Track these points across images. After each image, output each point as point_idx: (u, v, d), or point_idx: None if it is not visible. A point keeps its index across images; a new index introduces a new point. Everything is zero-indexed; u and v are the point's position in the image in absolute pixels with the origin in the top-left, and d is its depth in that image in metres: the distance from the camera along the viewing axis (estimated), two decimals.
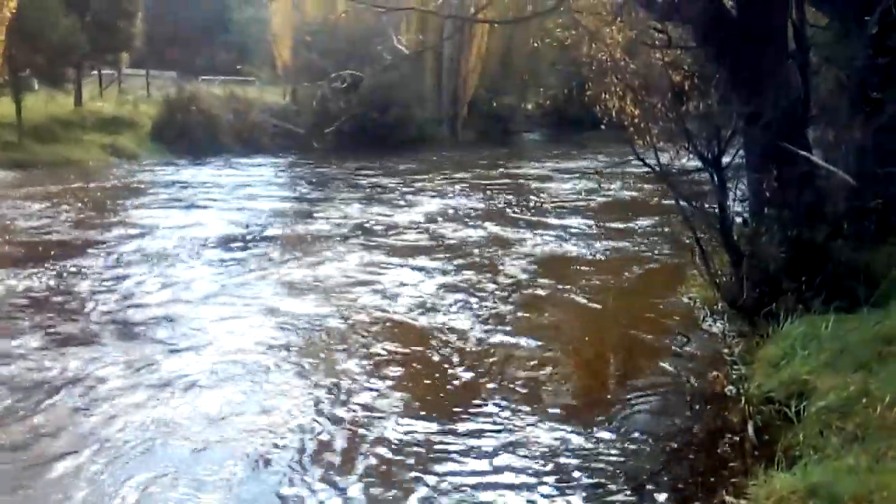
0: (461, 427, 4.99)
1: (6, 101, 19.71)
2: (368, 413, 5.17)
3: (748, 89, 6.57)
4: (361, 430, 4.92)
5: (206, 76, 29.67)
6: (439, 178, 18.55)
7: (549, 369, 6.08)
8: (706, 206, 6.78)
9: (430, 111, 26.94)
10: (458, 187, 17.19)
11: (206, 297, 7.94)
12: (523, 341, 6.69)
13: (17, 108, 19.44)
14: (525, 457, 4.59)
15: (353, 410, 5.21)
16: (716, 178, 6.62)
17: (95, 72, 27.16)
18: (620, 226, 12.10)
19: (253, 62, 31.59)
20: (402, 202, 14.91)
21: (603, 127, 7.87)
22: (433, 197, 15.64)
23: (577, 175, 18.79)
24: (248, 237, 11.25)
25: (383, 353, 6.37)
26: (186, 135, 21.94)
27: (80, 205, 13.61)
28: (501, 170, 20.29)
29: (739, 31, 6.77)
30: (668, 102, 6.89)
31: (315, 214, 13.34)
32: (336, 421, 5.04)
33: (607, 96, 7.53)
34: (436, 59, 27.37)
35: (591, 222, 12.72)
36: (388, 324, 7.14)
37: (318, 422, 5.02)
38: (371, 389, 5.58)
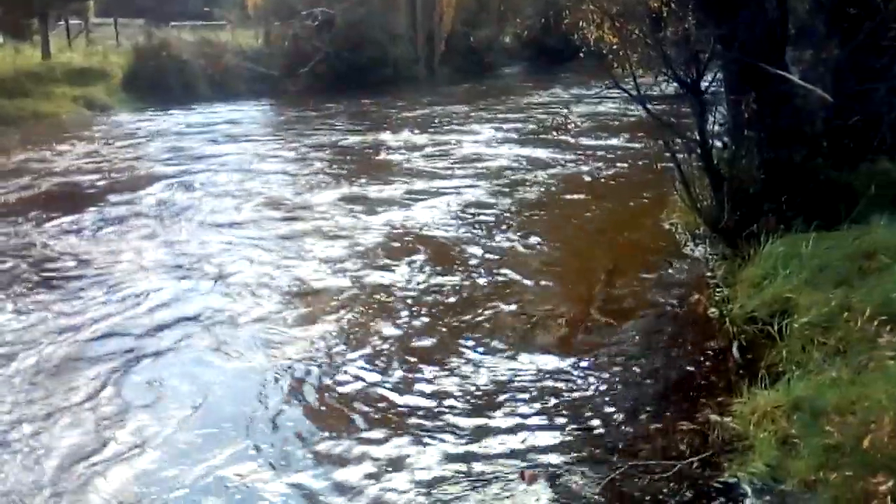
0: (454, 341, 5.23)
1: None
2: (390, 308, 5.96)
3: (724, 12, 6.50)
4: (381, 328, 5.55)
5: (176, 22, 28.97)
6: (436, 112, 18.40)
7: (536, 295, 6.18)
8: (686, 130, 6.81)
9: (406, 49, 26.43)
10: (466, 119, 17.14)
11: (285, 212, 9.08)
12: (518, 266, 6.82)
13: None
14: (510, 381, 4.68)
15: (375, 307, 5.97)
16: (696, 103, 6.61)
17: (62, 22, 26.51)
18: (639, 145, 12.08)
19: (223, 4, 30.87)
20: (414, 135, 14.94)
21: (582, 55, 7.86)
22: (442, 128, 15.67)
23: (592, 101, 18.30)
24: (287, 166, 12.04)
25: (412, 262, 7.09)
26: (159, 83, 21.44)
27: (108, 150, 13.66)
28: (503, 100, 20.23)
29: None
30: (646, 28, 6.83)
31: (338, 147, 13.74)
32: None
33: (585, 24, 7.46)
34: None
35: (608, 143, 13.06)
36: (420, 238, 7.87)
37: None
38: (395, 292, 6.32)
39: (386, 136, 14.74)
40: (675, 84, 6.81)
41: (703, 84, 6.65)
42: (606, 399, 4.44)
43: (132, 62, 22.45)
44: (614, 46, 6.96)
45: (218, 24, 29.55)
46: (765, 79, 6.32)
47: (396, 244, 7.66)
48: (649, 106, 6.93)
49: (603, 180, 10.53)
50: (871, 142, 6.69)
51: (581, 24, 7.50)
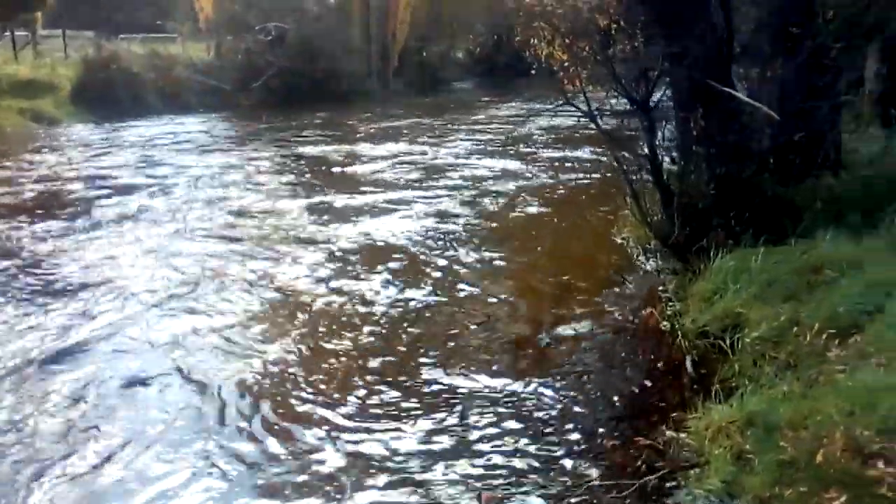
0: (410, 360, 5.12)
1: None
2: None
3: (673, 30, 6.62)
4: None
5: (125, 34, 28.58)
6: (393, 125, 18.48)
7: (493, 312, 6.16)
8: (637, 146, 6.90)
9: (359, 63, 26.44)
10: (424, 132, 17.28)
11: (253, 222, 9.31)
12: (475, 282, 6.87)
13: None
14: (466, 402, 4.64)
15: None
16: (645, 120, 6.71)
17: (8, 33, 25.98)
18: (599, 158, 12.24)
19: (174, 17, 30.56)
20: (372, 147, 15.06)
21: (533, 72, 7.95)
22: (401, 141, 15.80)
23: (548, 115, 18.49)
24: (251, 178, 12.15)
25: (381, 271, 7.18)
26: (108, 96, 21.14)
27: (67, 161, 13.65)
28: (458, 114, 20.49)
29: None
30: (597, 46, 6.92)
31: (297, 159, 13.88)
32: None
33: (536, 42, 7.53)
34: (363, 9, 26.84)
35: (568, 155, 13.35)
36: (382, 250, 7.93)
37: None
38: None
39: (344, 148, 14.86)
40: (625, 100, 6.90)
41: (653, 100, 6.75)
42: (563, 417, 4.44)
43: (81, 74, 22.11)
44: (565, 63, 7.03)
45: (168, 37, 29.21)
46: (712, 96, 6.44)
47: (358, 256, 7.69)
48: (600, 122, 7.00)
49: (562, 192, 10.67)
50: (815, 158, 6.86)
51: (532, 40, 7.58)
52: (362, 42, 27.23)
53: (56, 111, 20.51)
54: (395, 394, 4.81)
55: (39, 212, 9.54)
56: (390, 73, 27.69)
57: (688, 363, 4.92)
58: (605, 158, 11.52)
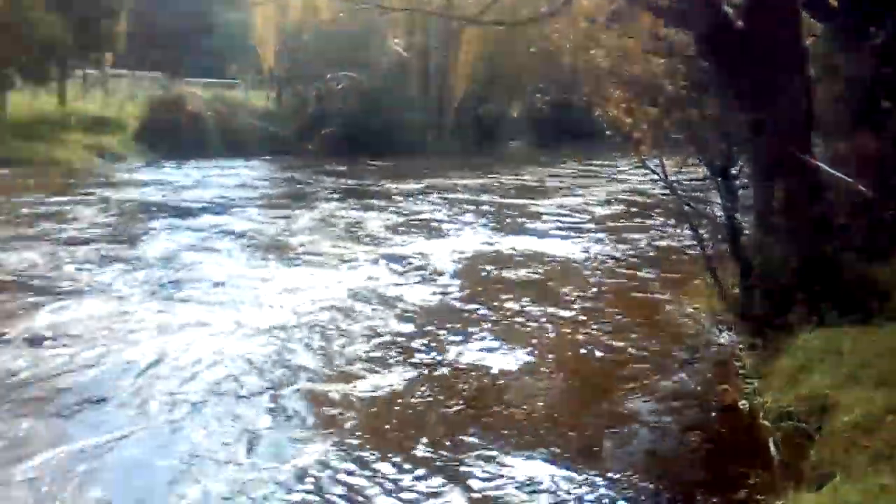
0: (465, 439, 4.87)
1: None
2: None
3: (756, 99, 6.48)
4: None
5: (189, 78, 29.28)
6: (473, 180, 18.54)
7: (562, 389, 5.91)
8: (714, 215, 6.72)
9: (417, 117, 26.66)
10: (491, 187, 17.59)
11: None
12: (536, 352, 6.55)
13: (1, 105, 19.19)
14: (534, 484, 4.33)
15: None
16: (725, 188, 6.55)
17: (80, 71, 26.79)
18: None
19: (237, 64, 31.23)
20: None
21: (591, 135, 7.85)
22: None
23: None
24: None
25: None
26: (172, 137, 21.64)
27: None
28: (521, 170, 20.99)
29: (745, 41, 6.66)
30: (676, 112, 6.80)
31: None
32: None
33: (607, 103, 7.44)
34: (422, 64, 27.15)
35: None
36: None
37: None
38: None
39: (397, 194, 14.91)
40: (703, 167, 6.76)
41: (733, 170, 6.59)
42: (640, 500, 4.19)
43: (147, 114, 22.70)
44: (645, 127, 6.92)
45: (231, 83, 29.82)
46: (795, 167, 6.25)
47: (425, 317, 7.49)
48: (678, 189, 6.85)
49: (632, 257, 10.42)
50: None
51: (604, 102, 7.47)
52: (420, 96, 27.51)
53: (121, 148, 21.02)
54: (445, 476, 4.39)
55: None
56: (447, 129, 27.90)
57: (772, 446, 4.66)
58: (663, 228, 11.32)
